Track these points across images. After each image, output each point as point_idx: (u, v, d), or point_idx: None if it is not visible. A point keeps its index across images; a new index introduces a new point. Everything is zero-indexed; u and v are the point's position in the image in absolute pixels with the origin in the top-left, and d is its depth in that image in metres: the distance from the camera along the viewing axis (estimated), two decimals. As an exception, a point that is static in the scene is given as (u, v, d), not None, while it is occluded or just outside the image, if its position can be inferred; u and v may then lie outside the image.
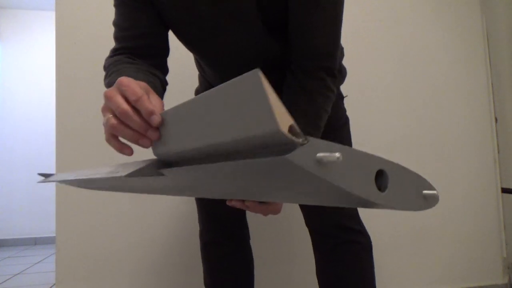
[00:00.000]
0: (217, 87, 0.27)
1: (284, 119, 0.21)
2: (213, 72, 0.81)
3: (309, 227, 0.89)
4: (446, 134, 1.57)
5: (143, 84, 0.48)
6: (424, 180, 0.29)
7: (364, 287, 0.82)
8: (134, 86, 0.44)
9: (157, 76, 0.68)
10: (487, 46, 1.63)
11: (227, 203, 0.67)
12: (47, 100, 3.31)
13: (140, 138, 0.43)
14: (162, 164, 0.43)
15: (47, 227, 3.23)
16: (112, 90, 0.45)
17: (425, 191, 0.29)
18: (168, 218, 1.34)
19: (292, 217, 1.46)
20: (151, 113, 0.41)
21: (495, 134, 1.60)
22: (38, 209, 3.30)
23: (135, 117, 0.43)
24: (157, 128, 0.42)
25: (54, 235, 1.28)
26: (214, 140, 0.29)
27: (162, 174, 0.42)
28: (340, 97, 0.90)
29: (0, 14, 3.49)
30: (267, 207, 0.69)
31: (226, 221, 0.93)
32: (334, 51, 0.71)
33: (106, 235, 1.29)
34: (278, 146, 0.23)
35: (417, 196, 0.29)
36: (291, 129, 0.22)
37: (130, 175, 0.41)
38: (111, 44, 0.72)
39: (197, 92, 0.97)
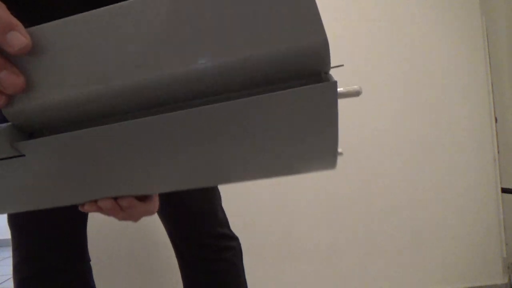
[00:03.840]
0: None
1: None
2: None
3: (179, 240, 0.78)
4: (446, 134, 1.57)
5: None
6: None
7: None
8: None
9: None
10: (487, 46, 1.63)
11: (80, 208, 0.41)
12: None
13: None
14: (18, 133, 0.25)
15: (47, 227, 3.22)
16: None
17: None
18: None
19: (292, 217, 1.46)
20: (9, 26, 0.23)
21: (495, 134, 1.60)
22: (38, 209, 3.29)
23: None
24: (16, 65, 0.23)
25: (54, 235, 1.28)
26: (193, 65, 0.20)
27: (22, 155, 0.24)
28: None
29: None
30: (143, 207, 0.46)
31: (63, 246, 0.67)
32: None
33: (106, 235, 1.29)
34: (303, 76, 0.20)
35: None
36: None
37: None
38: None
39: None
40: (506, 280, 1.56)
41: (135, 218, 0.48)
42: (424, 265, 1.52)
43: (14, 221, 0.66)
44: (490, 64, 1.63)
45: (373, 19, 1.55)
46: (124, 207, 0.41)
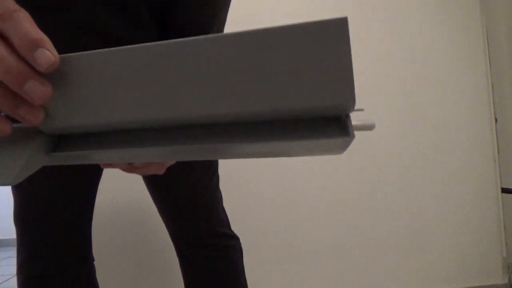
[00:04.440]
0: (262, 28, 0.19)
1: None
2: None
3: (180, 240, 0.79)
4: (446, 134, 1.57)
5: None
6: None
7: None
8: None
9: None
10: (487, 46, 1.63)
11: (102, 166, 0.43)
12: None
13: (18, 104, 0.23)
14: (52, 140, 0.27)
15: (47, 227, 3.22)
16: None
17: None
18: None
19: (292, 217, 1.46)
20: (36, 42, 0.22)
21: (495, 134, 1.60)
22: (38, 209, 3.29)
23: (1, 52, 0.22)
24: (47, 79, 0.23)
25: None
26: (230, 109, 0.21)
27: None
28: None
29: None
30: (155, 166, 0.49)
31: (68, 245, 0.67)
32: None
33: (105, 235, 1.29)
34: (326, 117, 0.22)
35: None
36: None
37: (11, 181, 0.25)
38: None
39: None
40: (506, 280, 1.56)
41: (148, 172, 0.48)
42: (424, 265, 1.52)
43: (21, 220, 0.67)
44: (490, 64, 1.63)
45: (373, 19, 1.55)
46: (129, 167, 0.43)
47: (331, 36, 0.18)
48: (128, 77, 0.22)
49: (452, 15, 1.61)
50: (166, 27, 0.57)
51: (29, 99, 0.23)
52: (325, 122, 0.23)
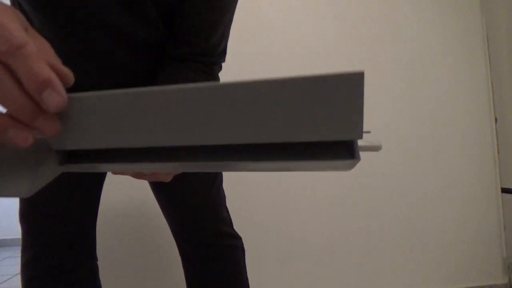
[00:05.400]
0: (289, 77, 0.22)
1: None
2: (54, 30, 0.56)
3: (183, 239, 0.79)
4: (446, 134, 1.57)
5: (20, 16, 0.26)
6: None
7: None
8: (8, 22, 0.22)
9: None
10: (487, 46, 1.63)
11: (112, 173, 0.42)
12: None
13: (24, 131, 0.24)
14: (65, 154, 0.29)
15: (47, 227, 3.22)
16: None
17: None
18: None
19: (291, 217, 1.46)
20: (44, 84, 0.22)
21: (495, 134, 1.60)
22: (38, 209, 3.29)
23: (12, 91, 0.22)
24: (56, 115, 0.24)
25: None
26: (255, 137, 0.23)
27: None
28: None
29: None
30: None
31: (73, 245, 0.69)
32: (226, 48, 0.67)
33: (105, 235, 1.29)
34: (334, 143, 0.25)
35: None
36: None
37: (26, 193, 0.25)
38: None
39: None
40: (506, 280, 1.56)
41: (157, 179, 0.50)
42: (424, 265, 1.52)
43: (26, 219, 0.67)
44: (490, 64, 1.63)
45: (373, 19, 1.55)
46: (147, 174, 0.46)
47: (348, 87, 0.21)
48: (136, 118, 0.24)
49: (452, 15, 1.61)
50: (173, 24, 0.60)
51: (39, 132, 0.24)
52: (334, 146, 0.26)
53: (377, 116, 1.52)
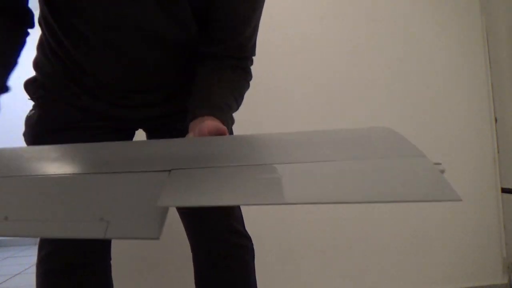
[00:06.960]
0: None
1: None
2: (91, 50, 0.62)
3: (197, 235, 0.80)
4: (446, 134, 1.57)
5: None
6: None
7: None
8: None
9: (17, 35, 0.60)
10: (487, 46, 1.63)
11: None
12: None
13: None
14: None
15: (47, 227, 3.22)
16: None
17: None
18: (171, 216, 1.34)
19: (290, 217, 1.46)
20: None
21: (495, 134, 1.60)
22: (38, 209, 3.29)
23: None
24: None
25: (54, 235, 1.28)
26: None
27: None
28: None
29: None
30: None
31: (89, 242, 0.70)
32: (255, 45, 0.71)
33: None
34: None
35: None
36: None
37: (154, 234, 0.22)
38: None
39: (43, 74, 0.70)
40: (506, 280, 1.56)
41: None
42: (424, 265, 1.52)
43: None
44: (490, 64, 1.63)
45: (373, 19, 1.55)
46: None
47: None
48: None
49: (452, 15, 1.61)
50: (205, 21, 0.63)
51: None
52: None
53: (376, 116, 1.52)
